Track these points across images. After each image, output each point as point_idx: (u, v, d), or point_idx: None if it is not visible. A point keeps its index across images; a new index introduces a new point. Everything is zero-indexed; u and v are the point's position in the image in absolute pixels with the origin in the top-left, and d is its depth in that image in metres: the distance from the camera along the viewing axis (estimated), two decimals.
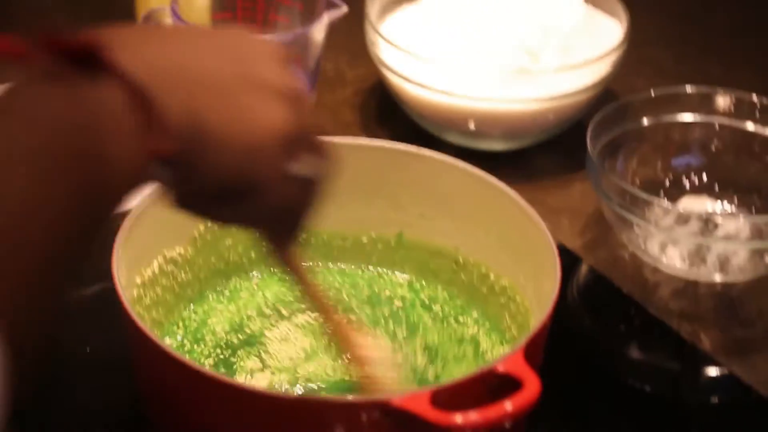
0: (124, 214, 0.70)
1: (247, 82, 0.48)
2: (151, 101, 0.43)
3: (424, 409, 0.58)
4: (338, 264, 0.82)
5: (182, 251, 0.77)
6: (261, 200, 0.50)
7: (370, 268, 0.82)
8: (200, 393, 0.61)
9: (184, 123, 0.45)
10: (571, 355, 0.85)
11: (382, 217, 0.82)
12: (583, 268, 0.92)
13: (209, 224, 0.74)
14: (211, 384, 0.60)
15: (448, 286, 0.81)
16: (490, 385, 0.62)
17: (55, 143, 0.41)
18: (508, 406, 0.59)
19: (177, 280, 0.76)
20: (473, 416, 0.58)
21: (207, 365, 0.72)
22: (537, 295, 0.73)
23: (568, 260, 0.92)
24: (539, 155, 1.03)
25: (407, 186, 0.80)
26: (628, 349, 0.86)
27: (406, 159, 0.79)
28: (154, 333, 0.64)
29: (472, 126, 0.99)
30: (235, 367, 0.73)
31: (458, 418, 0.58)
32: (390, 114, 1.08)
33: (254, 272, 0.80)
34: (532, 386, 0.60)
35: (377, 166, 0.80)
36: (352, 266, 0.82)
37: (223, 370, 0.72)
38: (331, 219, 0.81)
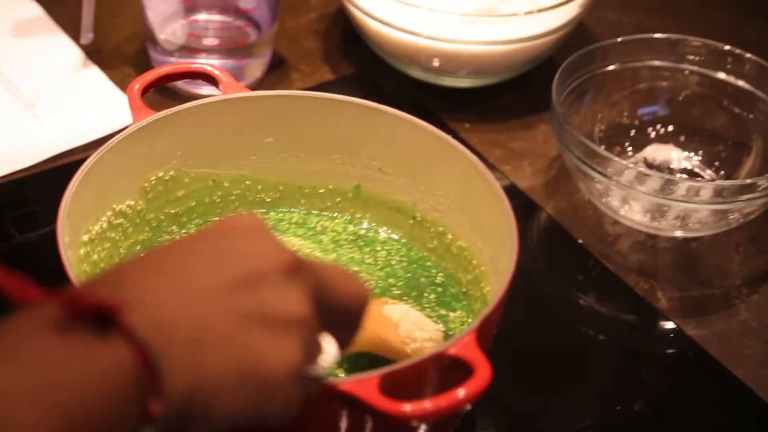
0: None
1: (256, 321, 0.47)
2: (155, 369, 0.43)
3: (372, 395, 0.57)
4: (297, 208, 0.81)
5: (132, 203, 0.75)
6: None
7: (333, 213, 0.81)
8: None
9: (185, 388, 0.44)
10: (527, 302, 0.85)
11: (341, 170, 0.80)
12: (543, 215, 0.91)
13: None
14: None
15: (407, 240, 0.80)
16: (441, 369, 0.61)
17: (58, 400, 0.41)
18: (460, 393, 0.58)
19: (127, 233, 0.75)
20: (423, 405, 0.57)
21: None
22: (493, 263, 0.72)
23: (529, 206, 0.91)
24: (505, 93, 1.01)
25: (367, 140, 0.78)
26: (584, 300, 0.85)
27: (367, 114, 0.77)
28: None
29: (436, 63, 0.96)
30: None
31: (407, 408, 0.57)
32: (354, 44, 1.05)
33: (209, 219, 0.79)
34: (483, 372, 0.60)
35: (337, 119, 0.78)
36: (313, 211, 0.81)
37: None
38: (288, 170, 0.80)
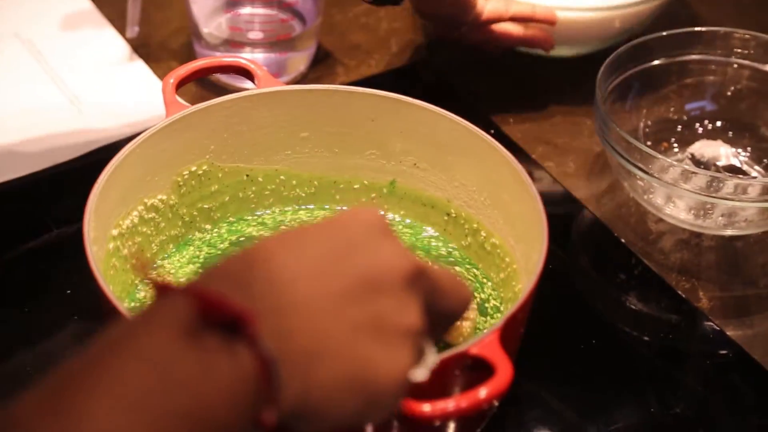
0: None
1: (371, 330, 0.47)
2: (275, 381, 0.43)
3: None
4: (331, 204, 0.81)
5: (164, 198, 0.75)
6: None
7: None
8: None
9: (297, 398, 0.45)
10: (569, 298, 0.83)
11: (376, 165, 0.79)
12: (585, 212, 0.89)
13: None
14: None
15: (441, 235, 0.79)
16: (463, 368, 0.60)
17: (177, 405, 0.41)
18: (482, 393, 0.57)
19: (159, 228, 0.75)
20: (444, 405, 0.57)
21: None
22: (525, 261, 0.71)
23: (571, 203, 0.90)
24: (550, 88, 1.00)
25: (402, 135, 0.78)
26: (625, 298, 0.84)
27: (402, 108, 0.76)
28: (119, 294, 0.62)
29: None
30: None
31: (427, 408, 0.56)
32: (400, 36, 1.04)
33: (243, 217, 0.79)
34: (504, 371, 0.59)
35: (372, 114, 0.77)
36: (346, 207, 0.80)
37: None
38: (323, 165, 0.80)
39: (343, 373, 0.46)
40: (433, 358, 0.51)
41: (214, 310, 0.43)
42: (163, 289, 0.44)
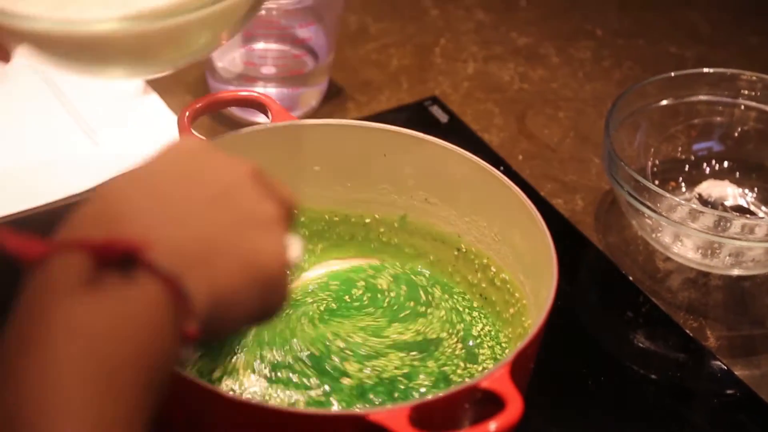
0: None
1: (245, 226, 0.51)
2: (185, 294, 0.46)
3: (402, 427, 0.57)
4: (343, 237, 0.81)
5: None
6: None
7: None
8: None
9: (208, 301, 0.48)
10: (576, 335, 0.84)
11: (387, 199, 0.80)
12: (594, 250, 0.90)
13: None
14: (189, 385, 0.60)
15: (450, 275, 0.80)
16: (473, 401, 0.61)
17: (103, 352, 0.43)
18: (491, 427, 0.58)
19: None
20: None
21: None
22: (534, 296, 0.72)
23: (580, 241, 0.90)
24: (558, 126, 1.01)
25: (413, 170, 0.79)
26: (633, 336, 0.84)
27: (414, 144, 0.77)
28: None
29: None
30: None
31: None
32: (411, 74, 1.05)
33: None
34: (515, 405, 0.59)
35: (384, 149, 0.78)
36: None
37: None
38: (335, 199, 0.80)
39: (237, 266, 0.50)
40: (297, 240, 0.54)
41: (105, 253, 0.44)
42: (40, 251, 0.45)
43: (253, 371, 0.70)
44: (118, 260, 0.45)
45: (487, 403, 0.60)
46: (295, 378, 0.70)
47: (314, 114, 1.00)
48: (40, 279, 0.45)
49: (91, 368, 0.43)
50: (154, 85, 1.02)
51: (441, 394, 0.61)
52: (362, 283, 0.78)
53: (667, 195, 0.83)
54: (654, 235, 0.87)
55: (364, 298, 0.77)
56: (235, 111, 0.98)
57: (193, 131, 0.77)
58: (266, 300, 0.52)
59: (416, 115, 1.01)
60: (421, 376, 0.71)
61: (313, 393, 0.69)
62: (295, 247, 0.54)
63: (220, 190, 0.51)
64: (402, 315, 0.76)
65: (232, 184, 0.52)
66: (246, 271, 0.50)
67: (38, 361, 0.42)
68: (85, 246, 0.44)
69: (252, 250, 0.51)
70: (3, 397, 0.42)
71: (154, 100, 1.00)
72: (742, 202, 0.92)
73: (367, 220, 0.81)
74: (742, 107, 0.93)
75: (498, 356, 0.74)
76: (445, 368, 0.72)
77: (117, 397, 0.43)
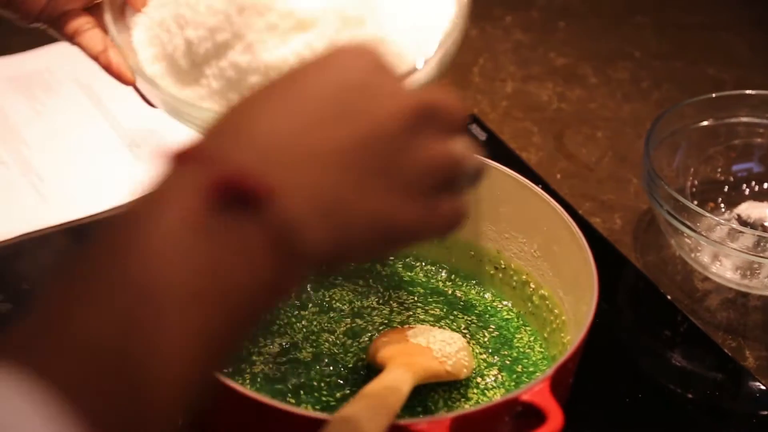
0: None
1: (380, 175, 0.45)
2: (302, 242, 0.43)
3: None
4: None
5: None
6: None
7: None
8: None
9: (325, 251, 0.44)
10: (614, 353, 0.84)
11: None
12: (632, 269, 0.90)
13: None
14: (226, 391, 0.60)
15: (490, 289, 0.80)
16: (513, 414, 0.61)
17: (216, 273, 0.42)
18: None
19: None
20: None
21: None
22: (574, 312, 0.72)
23: (618, 260, 0.90)
24: (597, 145, 1.01)
25: None
26: (670, 355, 0.84)
27: None
28: None
29: None
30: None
31: None
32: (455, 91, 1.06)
33: None
34: (555, 419, 0.60)
35: None
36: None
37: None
38: None
39: (364, 225, 0.45)
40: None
41: (233, 186, 0.42)
42: (177, 157, 0.43)
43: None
44: (243, 195, 0.42)
45: (526, 416, 0.60)
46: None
47: None
48: (161, 193, 0.43)
49: (202, 284, 0.41)
50: None
51: (481, 406, 0.61)
52: None
53: (707, 214, 0.83)
54: (693, 255, 0.87)
55: None
56: None
57: None
58: (389, 249, 0.50)
59: None
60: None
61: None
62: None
63: (370, 129, 0.45)
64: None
65: (385, 126, 0.46)
66: (371, 230, 0.45)
67: (151, 267, 0.41)
68: (217, 171, 0.42)
69: (385, 210, 0.46)
70: (115, 300, 0.41)
71: None
72: None
73: None
74: None
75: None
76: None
77: (218, 315, 0.42)
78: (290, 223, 0.43)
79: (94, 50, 0.68)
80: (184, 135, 0.98)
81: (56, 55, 1.08)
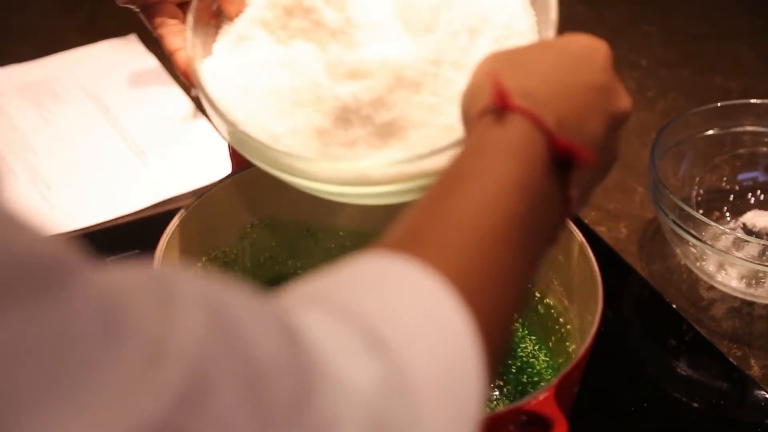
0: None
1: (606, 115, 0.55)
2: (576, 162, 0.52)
3: None
4: None
5: (227, 250, 0.77)
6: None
7: None
8: None
9: (584, 166, 0.53)
10: (619, 362, 0.84)
11: None
12: (637, 278, 0.90)
13: None
14: None
15: None
16: (518, 423, 0.61)
17: (508, 203, 0.49)
18: None
19: None
20: None
21: None
22: (579, 321, 0.72)
23: (623, 268, 0.90)
24: None
25: None
26: (676, 363, 0.84)
27: None
28: None
29: None
30: None
31: None
32: None
33: (300, 273, 0.81)
34: (560, 428, 0.60)
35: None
36: None
37: None
38: (382, 223, 0.81)
39: (601, 125, 0.55)
40: None
41: (553, 144, 0.51)
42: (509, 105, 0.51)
43: None
44: (558, 155, 0.51)
45: (531, 425, 0.61)
46: None
47: None
48: (499, 131, 0.51)
49: (501, 210, 0.48)
50: (204, 110, 1.03)
51: (486, 414, 0.62)
52: None
53: (712, 224, 0.83)
54: (698, 264, 0.87)
55: None
56: None
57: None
58: (592, 191, 0.57)
59: None
60: None
61: None
62: None
63: (597, 83, 0.56)
64: None
65: (607, 85, 0.56)
66: (604, 167, 0.56)
67: (466, 190, 0.48)
68: (547, 134, 0.51)
69: (611, 147, 0.56)
70: (421, 214, 0.48)
71: (203, 124, 1.02)
72: None
73: None
74: None
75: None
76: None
77: (509, 241, 0.48)
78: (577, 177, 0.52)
79: (169, 46, 0.71)
80: (187, 141, 0.99)
81: (64, 64, 1.09)
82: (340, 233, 0.81)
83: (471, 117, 0.53)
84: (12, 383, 0.32)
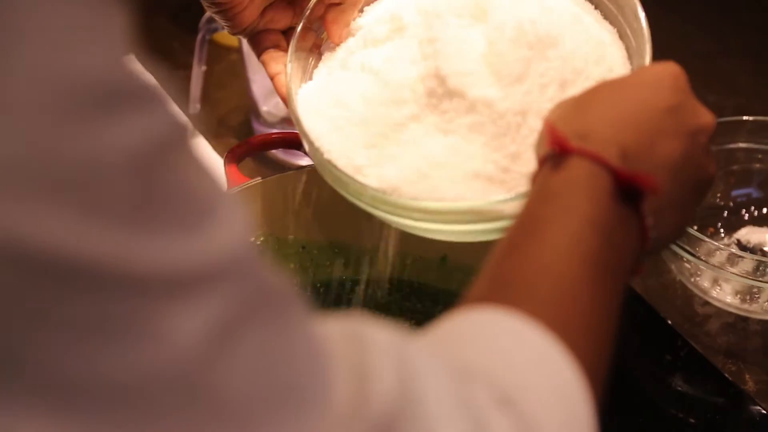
0: None
1: (684, 137, 0.57)
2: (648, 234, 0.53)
3: None
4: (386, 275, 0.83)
5: None
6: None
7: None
8: None
9: (658, 206, 0.54)
10: (614, 378, 0.84)
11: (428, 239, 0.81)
12: (632, 294, 0.90)
13: None
14: None
15: None
16: None
17: (608, 255, 0.51)
18: None
19: None
20: None
21: None
22: None
23: None
24: None
25: None
26: (671, 379, 0.85)
27: None
28: None
29: None
30: None
31: None
32: None
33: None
34: None
35: None
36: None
37: None
38: (377, 239, 0.82)
39: (693, 186, 0.58)
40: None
41: (620, 178, 0.52)
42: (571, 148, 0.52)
43: None
44: (626, 186, 0.52)
45: None
46: None
47: None
48: (563, 174, 0.52)
49: (581, 252, 0.50)
50: (200, 128, 1.04)
51: None
52: None
53: (706, 239, 0.84)
54: (693, 280, 0.88)
55: None
56: (279, 153, 1.00)
57: (238, 173, 0.79)
58: (691, 212, 0.59)
59: None
60: None
61: None
62: None
63: (688, 131, 0.57)
64: None
65: (700, 130, 0.58)
66: (692, 186, 0.57)
67: (543, 235, 0.50)
68: (613, 171, 0.52)
69: (697, 165, 0.57)
70: (504, 264, 0.50)
71: (200, 142, 1.02)
72: None
73: (408, 261, 0.82)
74: None
75: None
76: None
77: (594, 281, 0.49)
78: (648, 215, 0.53)
79: (271, 70, 0.74)
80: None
81: None
82: (335, 250, 0.82)
83: (537, 165, 0.55)
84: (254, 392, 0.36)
